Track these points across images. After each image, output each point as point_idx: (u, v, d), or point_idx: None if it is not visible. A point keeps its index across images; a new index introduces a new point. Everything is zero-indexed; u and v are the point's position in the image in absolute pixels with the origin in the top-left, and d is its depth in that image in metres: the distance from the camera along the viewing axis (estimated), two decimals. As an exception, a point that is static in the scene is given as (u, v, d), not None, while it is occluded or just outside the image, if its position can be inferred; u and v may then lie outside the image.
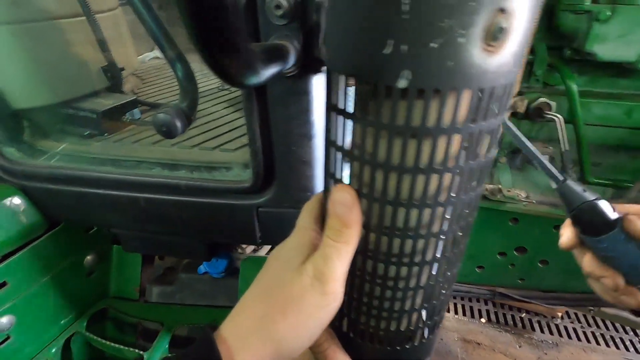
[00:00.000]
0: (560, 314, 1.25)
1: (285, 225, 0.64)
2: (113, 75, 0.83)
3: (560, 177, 0.37)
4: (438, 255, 0.27)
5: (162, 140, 0.74)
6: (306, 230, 0.28)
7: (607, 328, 1.22)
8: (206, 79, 1.08)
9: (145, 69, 1.28)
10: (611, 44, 0.86)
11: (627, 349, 1.14)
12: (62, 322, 0.83)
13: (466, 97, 0.20)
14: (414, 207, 0.24)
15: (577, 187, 0.36)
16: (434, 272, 0.28)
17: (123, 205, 0.68)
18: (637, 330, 1.21)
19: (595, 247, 0.37)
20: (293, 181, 0.59)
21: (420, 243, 0.26)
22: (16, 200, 0.71)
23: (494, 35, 0.19)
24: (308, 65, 0.46)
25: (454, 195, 0.24)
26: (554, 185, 0.37)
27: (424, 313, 0.31)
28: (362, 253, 0.27)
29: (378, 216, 0.25)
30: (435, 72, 0.19)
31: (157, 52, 1.38)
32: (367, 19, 0.20)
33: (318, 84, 0.50)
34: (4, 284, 0.72)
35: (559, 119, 0.96)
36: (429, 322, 0.31)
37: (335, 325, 0.33)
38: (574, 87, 0.96)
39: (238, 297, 0.94)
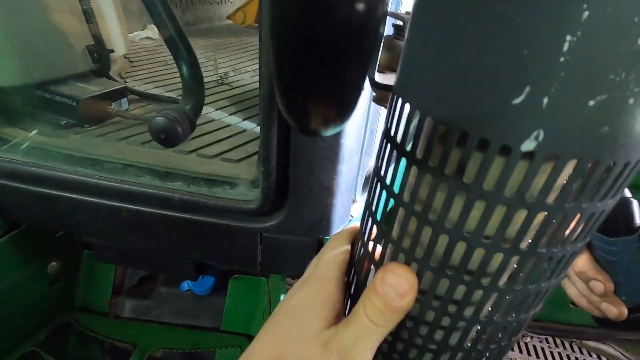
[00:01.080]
0: (530, 334, 1.25)
1: (291, 254, 0.57)
2: (100, 57, 0.71)
3: None
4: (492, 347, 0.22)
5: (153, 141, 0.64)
6: (328, 284, 0.24)
7: (572, 350, 1.23)
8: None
9: (134, 49, 1.14)
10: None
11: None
12: (15, 337, 0.71)
13: (603, 170, 0.15)
14: (480, 288, 0.19)
15: None
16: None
17: (101, 215, 0.58)
18: (603, 358, 1.20)
19: (601, 247, 0.34)
20: (308, 208, 0.51)
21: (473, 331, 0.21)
22: (-32, 196, 0.60)
23: None
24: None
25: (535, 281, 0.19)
26: None
27: None
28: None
29: (429, 286, 0.20)
30: (581, 137, 0.14)
31: (149, 32, 1.25)
32: (498, 54, 0.13)
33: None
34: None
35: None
36: None
37: None
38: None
39: (223, 318, 0.87)
